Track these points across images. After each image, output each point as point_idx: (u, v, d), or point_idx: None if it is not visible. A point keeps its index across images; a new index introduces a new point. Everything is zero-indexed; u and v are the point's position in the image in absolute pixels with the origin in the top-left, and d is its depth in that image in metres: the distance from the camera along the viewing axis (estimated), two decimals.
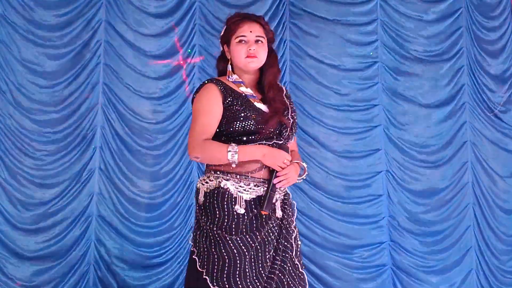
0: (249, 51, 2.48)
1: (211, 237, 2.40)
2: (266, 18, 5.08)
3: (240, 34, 2.51)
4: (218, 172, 2.45)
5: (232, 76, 2.54)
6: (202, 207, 2.48)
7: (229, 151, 2.36)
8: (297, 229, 2.57)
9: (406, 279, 5.13)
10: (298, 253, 2.53)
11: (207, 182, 2.48)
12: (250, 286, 2.34)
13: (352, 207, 5.19)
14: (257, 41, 2.51)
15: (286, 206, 2.52)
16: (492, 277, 5.23)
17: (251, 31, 2.51)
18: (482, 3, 5.53)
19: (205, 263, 2.38)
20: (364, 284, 5.09)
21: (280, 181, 2.42)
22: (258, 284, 2.35)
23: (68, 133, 4.93)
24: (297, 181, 2.55)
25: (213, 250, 2.38)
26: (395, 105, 5.35)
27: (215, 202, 2.43)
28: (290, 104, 2.61)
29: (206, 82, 2.54)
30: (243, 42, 2.51)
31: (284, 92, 2.61)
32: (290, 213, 2.53)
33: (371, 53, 5.36)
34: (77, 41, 5.00)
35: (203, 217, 2.46)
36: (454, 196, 5.30)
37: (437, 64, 5.42)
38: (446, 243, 5.23)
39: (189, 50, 5.17)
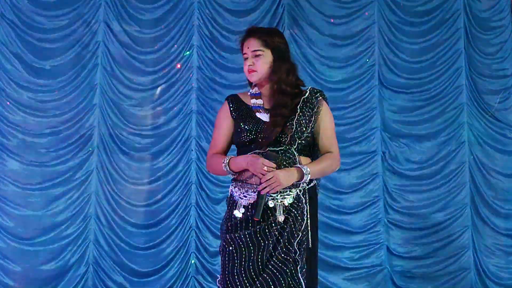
0: (248, 67, 2.66)
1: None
2: (263, 22, 5.14)
3: (243, 52, 2.71)
4: (232, 181, 2.67)
5: (252, 90, 2.72)
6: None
7: (222, 162, 2.61)
8: (304, 233, 2.55)
9: (404, 280, 5.14)
10: (302, 256, 2.54)
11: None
12: (237, 281, 2.48)
13: (350, 208, 5.21)
14: (255, 55, 2.66)
15: (293, 210, 2.55)
16: (490, 277, 5.24)
17: (248, 47, 2.67)
18: (480, 3, 5.53)
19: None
20: (361, 284, 5.11)
21: (263, 188, 2.48)
22: (245, 279, 2.48)
23: (66, 134, 4.95)
24: (302, 186, 2.57)
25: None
26: (392, 107, 5.36)
27: (227, 207, 2.67)
28: (305, 109, 2.63)
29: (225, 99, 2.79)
30: (246, 59, 2.69)
31: (305, 96, 2.66)
32: (299, 217, 2.55)
33: (367, 60, 5.38)
34: (75, 42, 5.03)
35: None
36: (452, 197, 5.31)
37: (436, 65, 5.44)
38: (445, 243, 5.24)
39: (187, 52, 5.19)
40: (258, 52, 2.64)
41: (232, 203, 2.61)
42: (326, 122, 2.68)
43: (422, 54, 5.45)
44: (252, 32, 2.69)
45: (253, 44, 2.65)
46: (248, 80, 2.73)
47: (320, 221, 5.08)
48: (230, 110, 2.69)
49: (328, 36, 5.37)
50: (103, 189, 4.95)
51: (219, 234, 2.71)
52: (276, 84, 2.63)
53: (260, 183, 2.47)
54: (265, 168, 2.47)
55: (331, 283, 5.09)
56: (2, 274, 4.75)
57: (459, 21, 5.48)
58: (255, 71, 2.64)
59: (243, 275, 2.48)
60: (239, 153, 2.66)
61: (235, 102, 2.71)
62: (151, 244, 4.94)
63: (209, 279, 4.88)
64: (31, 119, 4.92)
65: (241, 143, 2.63)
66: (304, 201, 2.58)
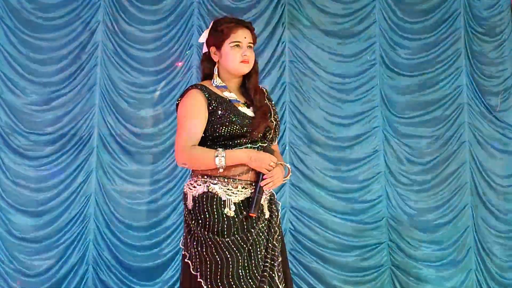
0: (244, 57, 2.55)
1: (203, 241, 2.43)
2: (263, 20, 5.14)
3: (236, 40, 2.56)
4: (206, 177, 2.48)
5: (216, 81, 2.59)
6: (192, 212, 2.49)
7: (217, 156, 2.41)
8: (281, 228, 2.61)
9: (405, 280, 5.13)
10: (283, 251, 2.58)
11: (194, 187, 2.50)
12: (243, 284, 2.38)
13: (351, 208, 5.20)
14: (249, 47, 2.59)
15: (273, 206, 2.57)
16: (491, 277, 5.22)
17: (245, 37, 2.57)
18: (480, 3, 5.52)
19: (198, 266, 2.42)
20: (363, 284, 5.09)
21: (267, 183, 2.46)
22: (252, 284, 2.40)
23: (65, 134, 4.96)
24: (282, 182, 2.57)
25: (205, 253, 2.42)
26: (393, 107, 5.35)
27: (205, 206, 2.45)
28: (272, 106, 2.66)
29: (190, 88, 2.57)
30: (238, 46, 2.56)
31: (266, 95, 2.67)
32: (276, 213, 2.58)
33: (369, 57, 5.37)
34: (74, 42, 5.04)
35: (193, 222, 2.47)
36: (453, 197, 5.30)
37: (436, 65, 5.43)
38: (445, 243, 5.22)
39: (187, 52, 5.19)
40: (251, 45, 2.60)
41: (217, 202, 2.43)
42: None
43: (422, 53, 5.44)
44: (249, 24, 2.64)
45: (250, 36, 2.60)
46: (229, 69, 2.57)
47: (322, 221, 5.16)
48: (208, 101, 2.50)
49: (328, 34, 5.36)
50: (103, 189, 4.95)
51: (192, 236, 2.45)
52: (255, 81, 2.61)
53: (263, 179, 2.44)
54: (271, 163, 2.46)
55: (333, 285, 5.07)
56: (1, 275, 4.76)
57: (459, 20, 5.47)
58: (249, 62, 2.57)
59: (248, 277, 2.40)
60: (210, 147, 2.48)
61: (211, 94, 2.52)
62: (150, 244, 4.94)
63: None
64: (29, 118, 4.92)
65: (225, 137, 2.47)
66: (275, 197, 2.62)
